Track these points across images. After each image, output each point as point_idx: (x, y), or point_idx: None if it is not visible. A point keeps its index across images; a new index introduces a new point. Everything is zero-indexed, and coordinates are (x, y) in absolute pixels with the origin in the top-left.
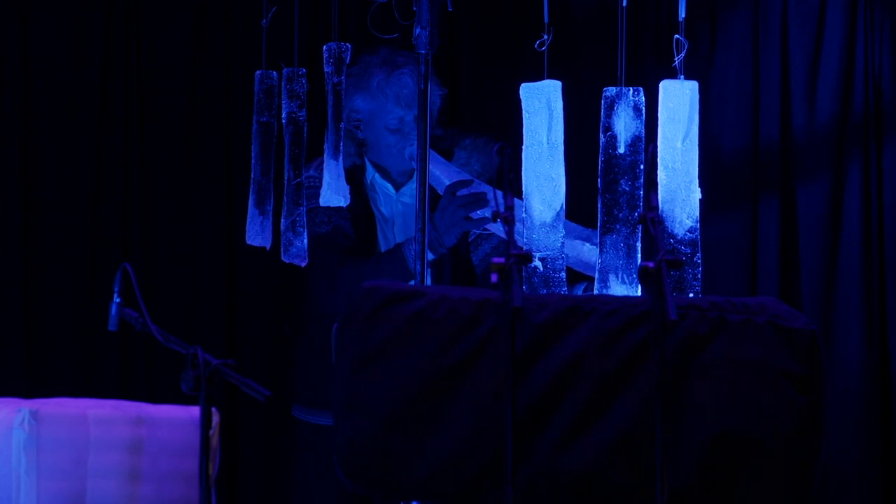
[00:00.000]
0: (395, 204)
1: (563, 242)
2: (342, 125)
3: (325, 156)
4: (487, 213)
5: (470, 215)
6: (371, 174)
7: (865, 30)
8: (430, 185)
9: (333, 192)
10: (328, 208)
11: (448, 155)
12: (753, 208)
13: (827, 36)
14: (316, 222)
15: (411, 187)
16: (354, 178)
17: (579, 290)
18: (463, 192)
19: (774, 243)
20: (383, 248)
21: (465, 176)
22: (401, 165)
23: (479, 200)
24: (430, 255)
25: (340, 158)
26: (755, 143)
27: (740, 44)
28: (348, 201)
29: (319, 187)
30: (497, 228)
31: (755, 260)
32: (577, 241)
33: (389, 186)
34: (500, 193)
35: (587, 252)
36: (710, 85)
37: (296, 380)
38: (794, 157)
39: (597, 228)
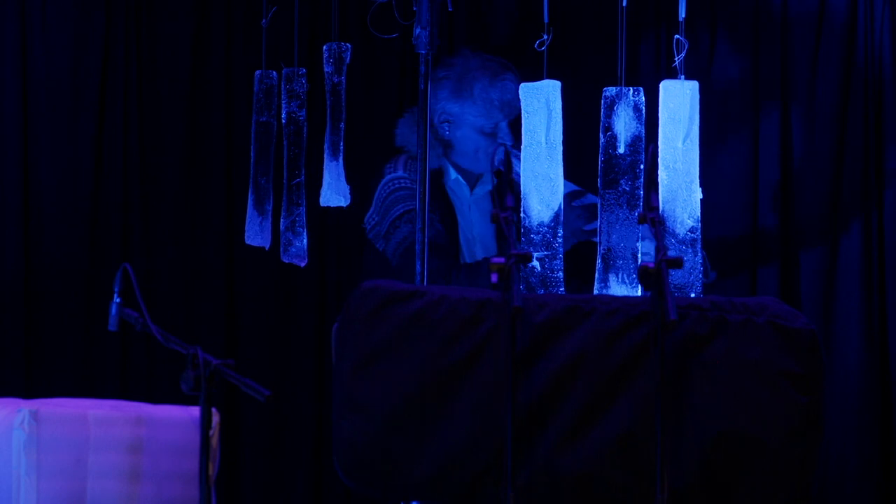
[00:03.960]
0: (471, 205)
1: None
2: (342, 125)
3: (324, 156)
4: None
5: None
6: (454, 175)
7: (865, 31)
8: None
9: (334, 192)
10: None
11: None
12: (754, 210)
13: (826, 36)
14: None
15: (484, 188)
16: (438, 180)
17: None
18: (577, 203)
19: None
20: (465, 252)
21: (574, 187)
22: (480, 168)
23: (593, 211)
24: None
25: (340, 158)
26: (755, 155)
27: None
28: (349, 201)
29: (408, 188)
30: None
31: (755, 260)
32: None
33: (466, 188)
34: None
35: None
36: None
37: None
38: (794, 162)
39: None
